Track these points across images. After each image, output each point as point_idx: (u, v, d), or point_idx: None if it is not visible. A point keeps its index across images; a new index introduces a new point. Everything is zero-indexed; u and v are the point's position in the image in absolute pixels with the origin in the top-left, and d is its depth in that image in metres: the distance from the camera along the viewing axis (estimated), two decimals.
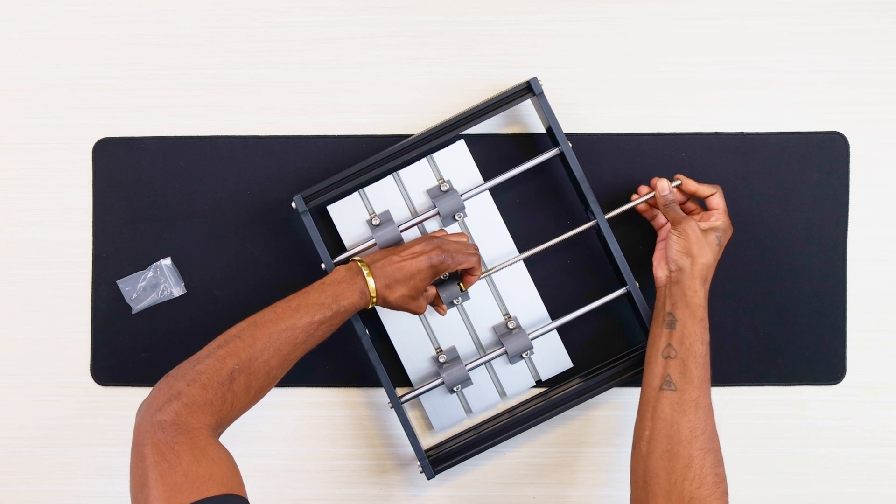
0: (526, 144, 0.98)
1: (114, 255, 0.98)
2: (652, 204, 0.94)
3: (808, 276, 0.98)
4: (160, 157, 0.98)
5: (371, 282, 0.83)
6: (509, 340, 0.93)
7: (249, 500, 0.73)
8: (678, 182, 0.92)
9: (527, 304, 0.96)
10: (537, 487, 0.98)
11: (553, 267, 0.98)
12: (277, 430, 0.99)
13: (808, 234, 0.98)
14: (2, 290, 0.99)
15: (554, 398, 0.94)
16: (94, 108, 0.99)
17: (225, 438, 0.98)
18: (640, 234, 0.97)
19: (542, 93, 0.92)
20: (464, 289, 0.92)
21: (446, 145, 0.95)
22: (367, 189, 0.95)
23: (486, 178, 0.95)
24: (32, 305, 0.99)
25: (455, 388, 0.94)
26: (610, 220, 0.93)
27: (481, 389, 0.96)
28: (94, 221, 0.98)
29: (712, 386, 0.98)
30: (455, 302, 0.95)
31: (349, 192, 0.95)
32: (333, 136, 0.98)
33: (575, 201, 0.97)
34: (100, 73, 0.99)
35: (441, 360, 0.95)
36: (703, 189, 0.92)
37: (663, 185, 0.92)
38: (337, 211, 0.95)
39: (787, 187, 0.98)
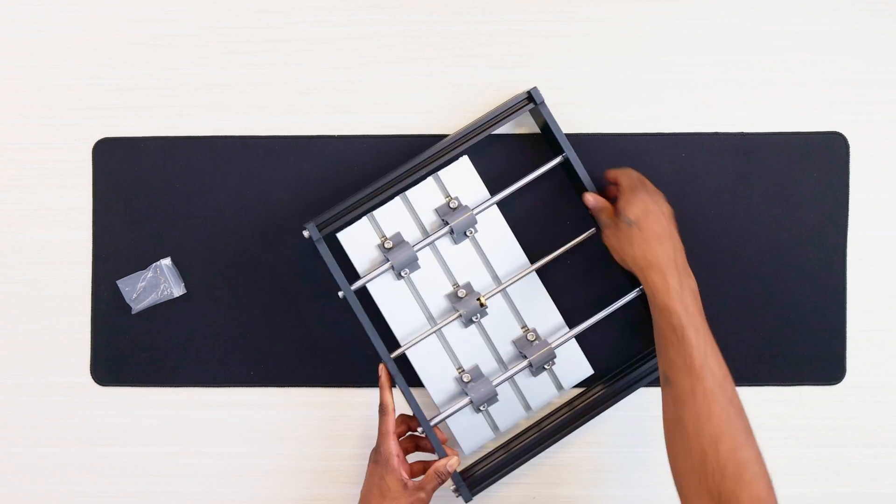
0: (529, 145, 0.98)
1: (114, 255, 0.98)
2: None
3: (808, 276, 0.98)
4: (160, 157, 0.98)
5: None
6: (532, 352, 0.93)
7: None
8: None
9: (543, 314, 0.96)
10: (537, 487, 0.98)
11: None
12: (277, 430, 0.99)
13: (808, 234, 0.98)
14: (2, 290, 0.99)
15: (579, 407, 0.94)
16: (94, 108, 0.99)
17: (225, 438, 0.99)
18: None
19: (543, 102, 0.92)
20: (483, 304, 0.92)
21: (451, 162, 0.95)
22: (376, 213, 0.94)
23: (491, 184, 0.95)
24: (32, 305, 0.99)
25: (482, 407, 0.93)
26: None
27: (505, 405, 0.95)
28: (94, 221, 0.99)
29: None
30: (474, 319, 0.93)
31: (357, 218, 0.94)
32: (333, 136, 0.98)
33: (580, 204, 0.97)
34: (100, 73, 0.99)
35: (465, 379, 0.94)
36: (610, 176, 0.91)
37: (587, 196, 0.92)
38: (347, 237, 0.94)
39: (787, 187, 0.98)
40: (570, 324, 0.96)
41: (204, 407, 0.98)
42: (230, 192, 0.98)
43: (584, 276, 0.98)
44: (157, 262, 0.98)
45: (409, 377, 0.93)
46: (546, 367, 0.94)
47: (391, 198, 0.94)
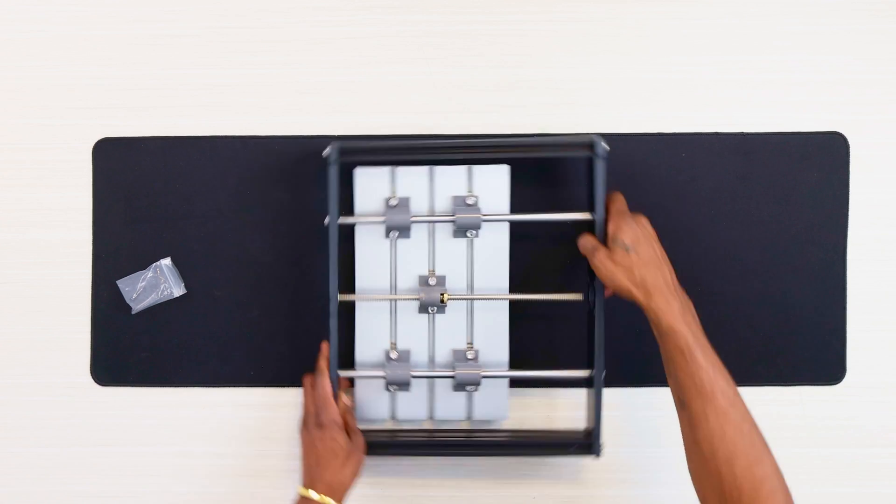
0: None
1: (114, 255, 0.98)
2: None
3: (808, 276, 0.98)
4: (160, 157, 0.98)
5: (314, 494, 0.87)
6: (462, 368, 0.93)
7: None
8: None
9: (493, 343, 0.95)
10: (537, 487, 0.98)
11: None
12: (277, 430, 0.99)
13: (808, 234, 0.98)
14: (2, 290, 0.99)
15: (480, 439, 0.95)
16: (94, 108, 0.99)
17: (225, 438, 0.99)
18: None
19: (605, 157, 0.90)
20: (444, 301, 0.92)
21: (490, 162, 0.94)
22: (399, 169, 0.94)
23: (514, 201, 0.95)
24: (32, 305, 0.99)
25: (391, 388, 0.94)
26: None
27: (412, 401, 0.95)
28: (94, 221, 0.99)
29: None
30: (430, 310, 0.94)
31: (381, 164, 0.94)
32: (333, 136, 0.98)
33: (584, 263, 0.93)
34: (100, 73, 0.99)
35: (392, 356, 0.94)
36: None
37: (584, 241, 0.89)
38: (362, 175, 0.94)
39: (787, 187, 0.98)
40: (514, 365, 0.95)
41: (204, 407, 0.98)
42: (230, 192, 0.98)
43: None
44: (157, 262, 0.98)
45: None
46: (467, 389, 0.94)
47: (421, 164, 0.94)
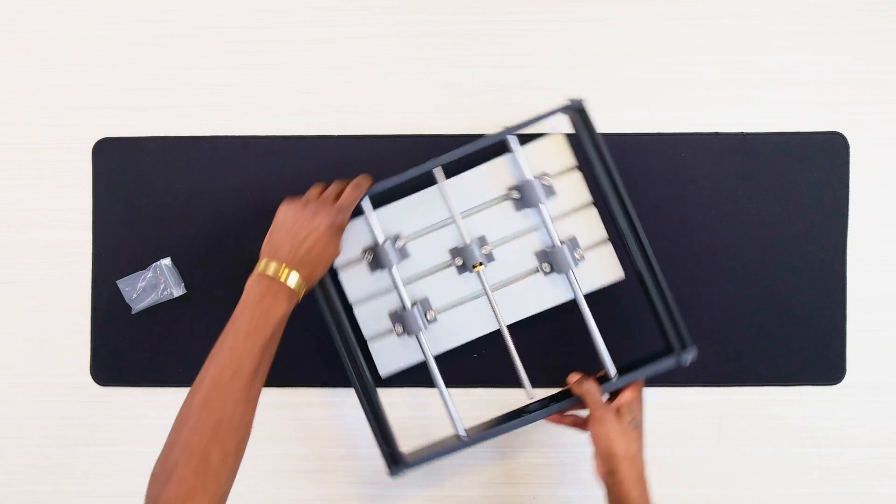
0: None
1: (114, 255, 0.98)
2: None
3: (808, 276, 0.98)
4: (160, 157, 0.99)
5: (293, 279, 0.82)
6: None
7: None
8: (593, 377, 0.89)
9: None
10: (537, 487, 0.98)
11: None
12: (277, 430, 0.99)
13: (808, 234, 0.98)
14: (2, 290, 0.99)
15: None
16: (94, 108, 0.99)
17: None
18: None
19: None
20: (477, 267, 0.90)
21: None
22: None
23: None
24: (32, 305, 0.99)
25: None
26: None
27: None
28: (94, 221, 0.99)
29: (712, 386, 0.98)
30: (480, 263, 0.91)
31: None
32: (333, 136, 0.98)
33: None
34: (100, 73, 0.99)
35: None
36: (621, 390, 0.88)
37: (574, 375, 0.88)
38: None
39: (787, 187, 0.98)
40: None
41: None
42: (230, 192, 0.98)
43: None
44: (157, 262, 0.98)
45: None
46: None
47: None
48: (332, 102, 0.99)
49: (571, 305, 0.90)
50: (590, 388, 0.86)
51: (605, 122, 0.99)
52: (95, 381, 0.99)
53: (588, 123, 0.88)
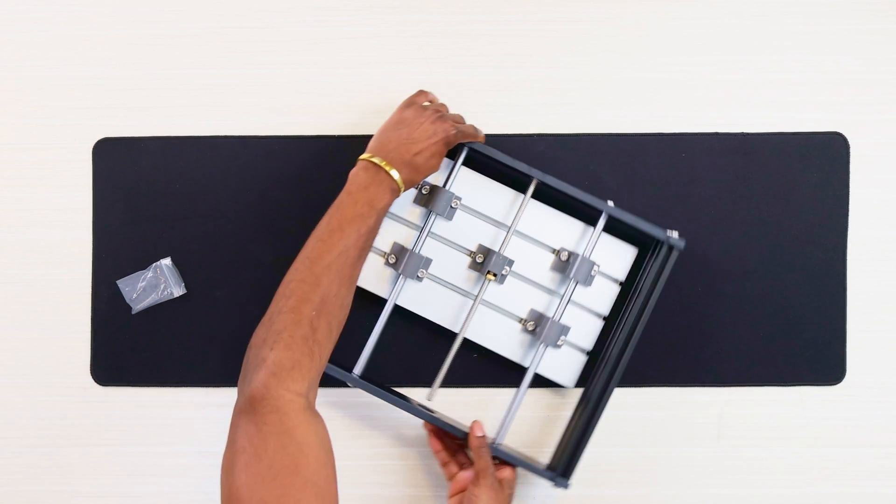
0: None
1: (114, 255, 0.98)
2: (459, 444, 0.94)
3: (808, 276, 0.98)
4: (160, 157, 0.98)
5: (395, 174, 0.82)
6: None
7: (337, 488, 0.70)
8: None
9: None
10: (538, 487, 0.98)
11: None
12: None
13: (808, 234, 0.98)
14: (2, 290, 0.99)
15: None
16: (94, 108, 0.99)
17: (224, 438, 0.98)
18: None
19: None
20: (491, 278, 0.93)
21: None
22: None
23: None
24: (32, 305, 0.99)
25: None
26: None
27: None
28: (94, 221, 0.99)
29: (711, 387, 0.98)
30: (505, 272, 0.94)
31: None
32: (333, 136, 0.98)
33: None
34: (100, 73, 0.99)
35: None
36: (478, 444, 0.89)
37: (480, 429, 0.89)
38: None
39: (787, 187, 0.98)
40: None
41: (204, 407, 0.98)
42: (230, 192, 0.98)
43: None
44: (157, 262, 0.98)
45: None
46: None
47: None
48: (332, 102, 0.99)
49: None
50: (488, 451, 0.88)
51: (606, 122, 0.99)
52: (95, 381, 0.99)
53: (666, 264, 0.91)
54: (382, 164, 0.82)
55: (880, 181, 0.99)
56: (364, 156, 0.84)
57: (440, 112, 0.87)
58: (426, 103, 0.90)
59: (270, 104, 0.99)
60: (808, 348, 0.98)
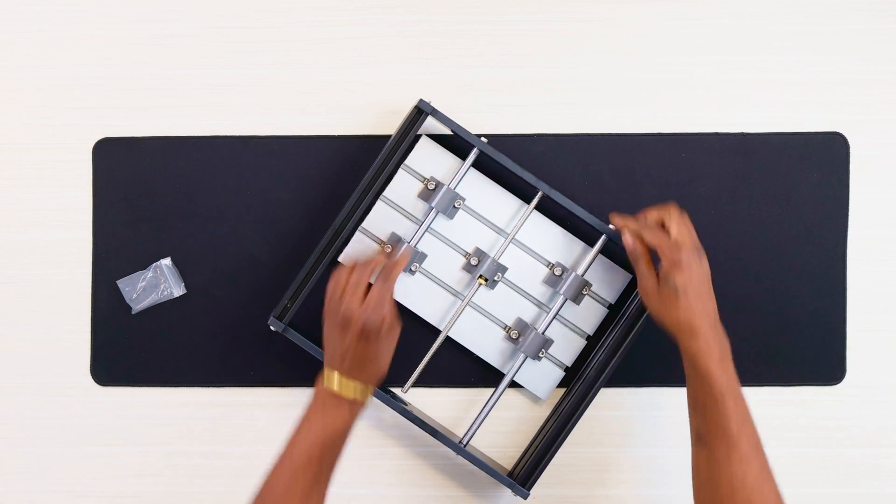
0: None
1: (114, 255, 0.98)
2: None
3: (808, 276, 0.98)
4: (160, 157, 0.98)
5: (357, 388, 0.80)
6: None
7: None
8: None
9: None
10: (537, 487, 0.98)
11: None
12: (277, 431, 0.98)
13: (808, 234, 0.98)
14: (2, 290, 0.99)
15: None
16: (94, 108, 0.99)
17: (225, 438, 0.99)
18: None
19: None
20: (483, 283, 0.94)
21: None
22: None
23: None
24: (32, 305, 0.99)
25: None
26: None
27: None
28: (94, 221, 0.99)
29: None
30: (497, 278, 0.94)
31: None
32: (333, 136, 0.98)
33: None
34: (100, 73, 0.99)
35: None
36: (653, 217, 0.85)
37: (626, 240, 0.86)
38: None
39: (787, 187, 0.98)
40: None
41: (204, 407, 0.98)
42: (230, 192, 0.98)
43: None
44: (157, 262, 0.98)
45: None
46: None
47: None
48: (332, 102, 0.99)
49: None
50: (634, 254, 0.86)
51: (606, 122, 0.99)
52: (95, 381, 0.99)
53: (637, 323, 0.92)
54: (341, 383, 0.79)
55: (880, 181, 0.99)
56: (322, 378, 0.81)
57: (347, 310, 0.79)
58: (341, 299, 0.81)
59: (270, 104, 0.99)
60: (807, 348, 0.98)
